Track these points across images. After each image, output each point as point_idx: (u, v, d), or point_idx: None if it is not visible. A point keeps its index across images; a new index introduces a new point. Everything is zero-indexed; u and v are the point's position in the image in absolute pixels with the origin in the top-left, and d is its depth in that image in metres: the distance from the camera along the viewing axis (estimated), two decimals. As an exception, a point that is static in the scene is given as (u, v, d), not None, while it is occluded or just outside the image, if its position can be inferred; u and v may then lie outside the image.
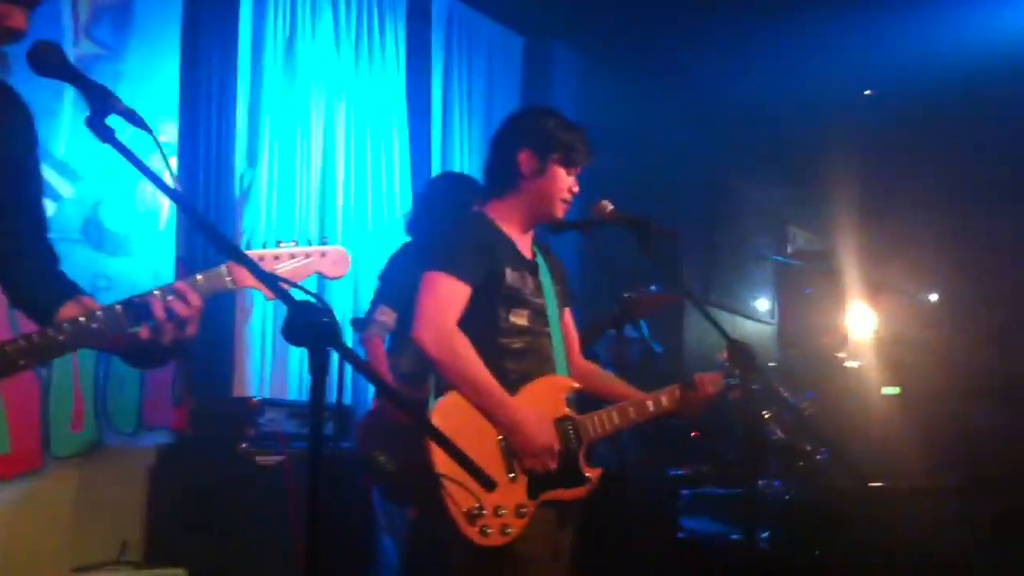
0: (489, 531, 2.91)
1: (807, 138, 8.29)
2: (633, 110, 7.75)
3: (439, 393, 3.06)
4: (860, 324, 7.42)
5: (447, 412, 2.97)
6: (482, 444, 2.94)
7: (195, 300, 2.13)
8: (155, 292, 2.12)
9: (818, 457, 5.40)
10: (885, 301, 7.56)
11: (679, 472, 5.81)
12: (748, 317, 9.86)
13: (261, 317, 5.29)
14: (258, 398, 4.77)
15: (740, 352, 3.37)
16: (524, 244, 3.31)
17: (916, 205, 8.90)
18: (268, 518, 4.38)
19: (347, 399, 5.44)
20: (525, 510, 2.98)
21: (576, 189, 3.30)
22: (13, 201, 2.22)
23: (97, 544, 4.47)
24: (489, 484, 2.73)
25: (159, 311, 2.10)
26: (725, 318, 8.97)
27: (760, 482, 5.36)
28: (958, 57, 7.30)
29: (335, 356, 1.82)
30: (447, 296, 3.07)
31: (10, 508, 4.29)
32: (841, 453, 4.95)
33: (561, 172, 3.25)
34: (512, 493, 2.96)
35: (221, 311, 5.07)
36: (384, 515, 5.05)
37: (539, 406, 3.09)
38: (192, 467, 4.65)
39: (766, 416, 5.47)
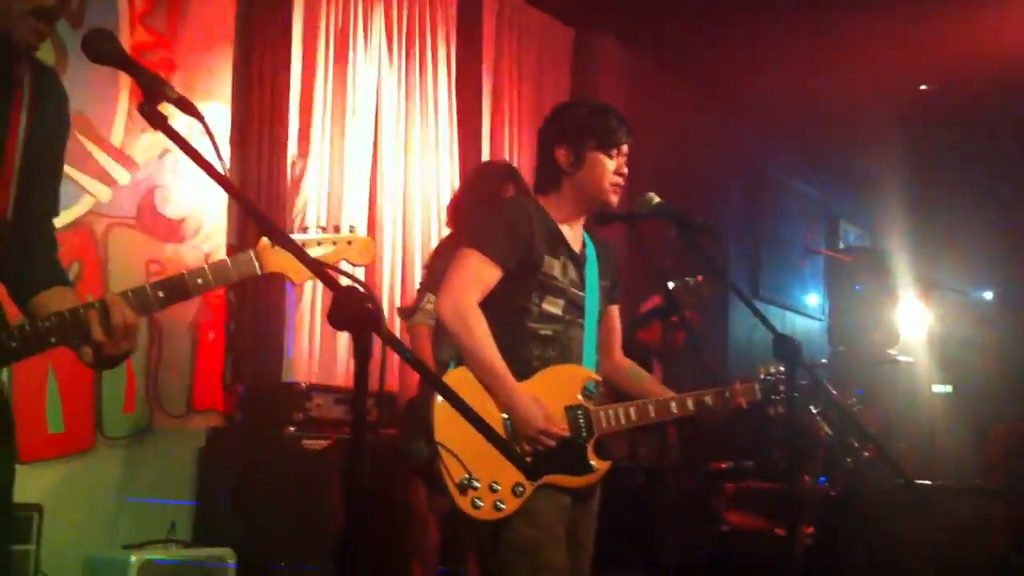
0: (481, 504, 2.94)
1: (858, 132, 8.22)
2: (681, 104, 7.74)
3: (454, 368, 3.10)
4: (912, 321, 7.36)
5: (454, 385, 2.99)
6: (487, 419, 2.96)
7: (126, 316, 2.13)
8: (95, 303, 2.13)
9: (864, 454, 5.37)
10: (938, 298, 7.49)
11: (723, 466, 5.79)
12: (798, 312, 9.80)
13: (310, 303, 5.35)
14: (306, 383, 4.82)
15: (786, 346, 3.34)
16: (573, 235, 3.32)
17: (969, 202, 8.81)
18: (314, 502, 4.44)
19: (393, 387, 5.49)
20: (522, 490, 3.00)
21: (624, 170, 3.29)
22: (40, 188, 2.26)
23: (146, 523, 4.55)
24: (529, 472, 2.78)
25: (94, 322, 2.10)
26: (774, 314, 8.94)
27: (805, 478, 5.33)
28: (1014, 51, 7.20)
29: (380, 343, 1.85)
30: (472, 272, 3.11)
31: (62, 486, 4.38)
32: (887, 451, 4.92)
33: (600, 158, 3.25)
34: (509, 471, 2.97)
35: (271, 296, 5.13)
36: (428, 499, 5.08)
37: (551, 392, 3.10)
38: (240, 450, 4.73)
39: (813, 412, 5.45)
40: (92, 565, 4.22)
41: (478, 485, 2.94)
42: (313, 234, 2.36)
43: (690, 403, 3.32)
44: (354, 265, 2.39)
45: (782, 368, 3.38)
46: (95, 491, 4.53)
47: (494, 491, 2.97)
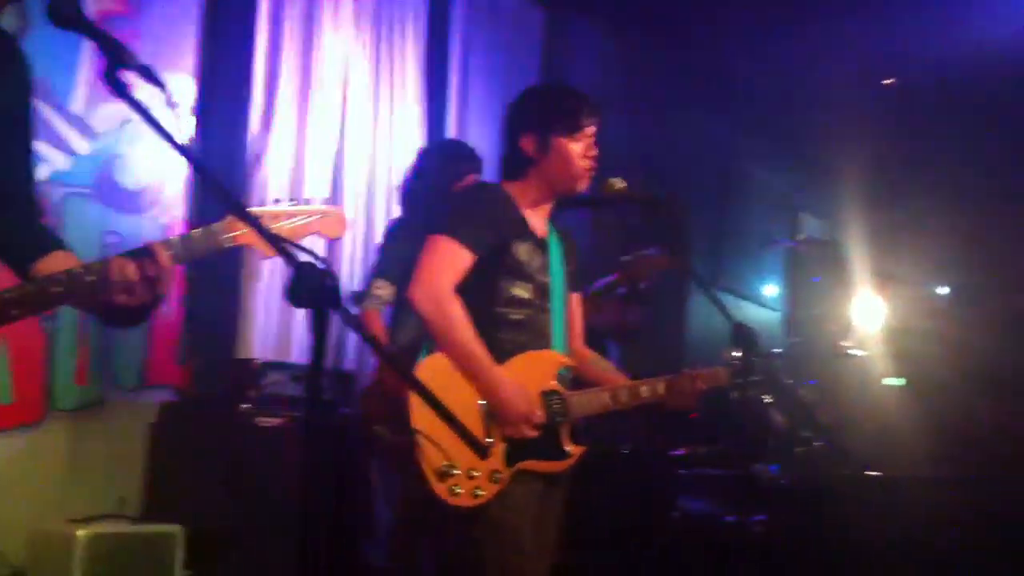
0: (459, 491, 2.94)
1: (820, 125, 8.26)
2: (649, 89, 7.74)
3: (428, 354, 3.09)
4: (867, 314, 7.42)
5: (431, 372, 2.99)
6: (463, 406, 2.96)
7: (165, 260, 2.13)
8: (131, 251, 2.13)
9: (816, 444, 5.42)
10: (893, 291, 7.56)
11: (677, 452, 5.82)
12: (755, 302, 9.86)
13: (268, 278, 5.30)
14: (261, 360, 4.79)
15: (743, 335, 3.37)
16: (537, 221, 3.32)
17: (927, 196, 8.88)
18: (267, 480, 4.41)
19: (350, 366, 5.47)
20: (499, 476, 3.00)
21: (593, 152, 3.28)
22: (7, 152, 2.23)
23: (95, 497, 4.51)
24: (482, 451, 2.77)
25: (117, 273, 2.10)
26: (732, 303, 8.97)
27: (757, 466, 5.38)
28: (974, 47, 7.25)
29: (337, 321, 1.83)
30: (446, 259, 3.09)
31: (10, 458, 4.33)
32: (839, 441, 4.97)
33: (566, 143, 3.24)
34: (489, 458, 2.97)
35: (227, 270, 5.09)
36: (383, 486, 5.08)
37: (526, 377, 3.10)
38: (193, 426, 4.69)
39: (766, 401, 5.49)
40: (38, 539, 4.16)
41: (457, 472, 2.94)
42: (284, 206, 2.33)
43: (661, 387, 3.34)
44: (326, 238, 2.36)
45: (742, 352, 3.42)
46: (44, 464, 4.48)
47: (472, 478, 2.96)
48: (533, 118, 3.28)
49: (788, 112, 8.55)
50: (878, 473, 5.24)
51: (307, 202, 2.37)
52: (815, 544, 4.99)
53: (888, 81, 8.19)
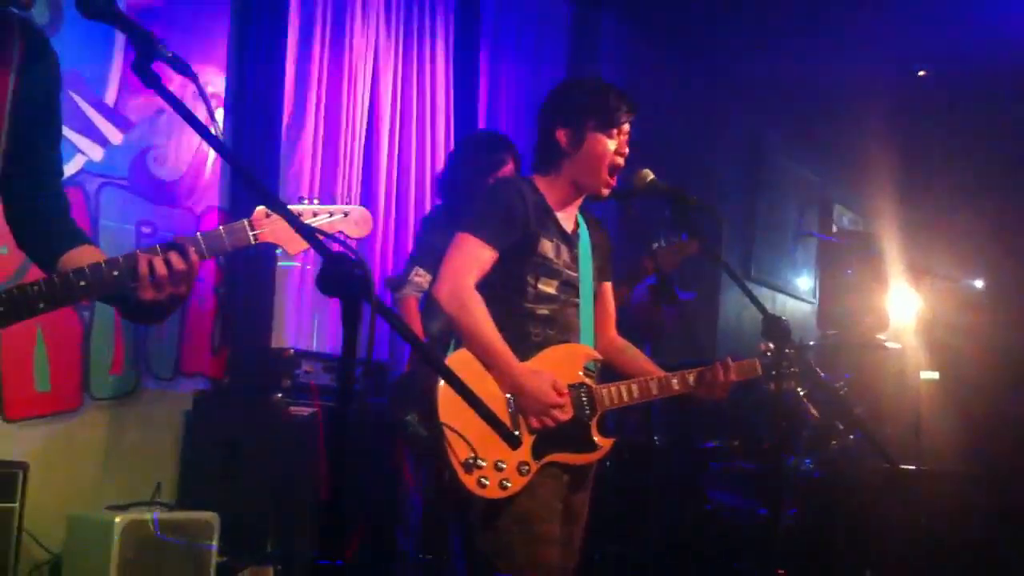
0: (487, 483, 2.94)
1: (853, 117, 8.21)
2: (679, 83, 7.72)
3: (454, 350, 3.10)
4: (902, 307, 7.37)
5: (456, 368, 2.99)
6: (490, 401, 2.96)
7: (193, 257, 2.15)
8: (157, 247, 2.15)
9: (850, 437, 5.39)
10: (929, 285, 7.51)
11: (709, 444, 5.81)
12: (789, 295, 9.81)
13: (301, 269, 5.34)
14: (294, 349, 4.82)
15: (775, 327, 3.35)
16: (566, 216, 3.30)
17: (962, 189, 8.80)
18: (299, 469, 4.45)
19: (383, 356, 5.49)
20: (527, 468, 3.01)
21: (625, 151, 3.26)
22: (28, 143, 2.25)
23: (131, 484, 4.55)
24: (514, 441, 2.77)
25: (143, 269, 2.12)
26: (765, 295, 8.95)
27: (790, 459, 5.35)
28: (1009, 38, 7.18)
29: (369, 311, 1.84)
30: (468, 256, 3.10)
31: (47, 445, 4.38)
32: (873, 434, 4.94)
33: (601, 138, 3.21)
34: (516, 450, 2.98)
35: (262, 262, 5.12)
36: (415, 475, 5.10)
37: (554, 370, 3.10)
38: (226, 415, 4.73)
39: (800, 394, 5.46)
40: (76, 525, 4.21)
41: (483, 464, 2.95)
42: (309, 204, 2.35)
43: (691, 379, 3.33)
44: (351, 238, 2.38)
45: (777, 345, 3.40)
46: (81, 451, 4.53)
47: (500, 469, 2.97)
48: (569, 111, 3.25)
49: (820, 104, 8.50)
50: (912, 467, 5.21)
51: (332, 201, 2.39)
52: (847, 537, 4.97)
53: (922, 72, 8.12)
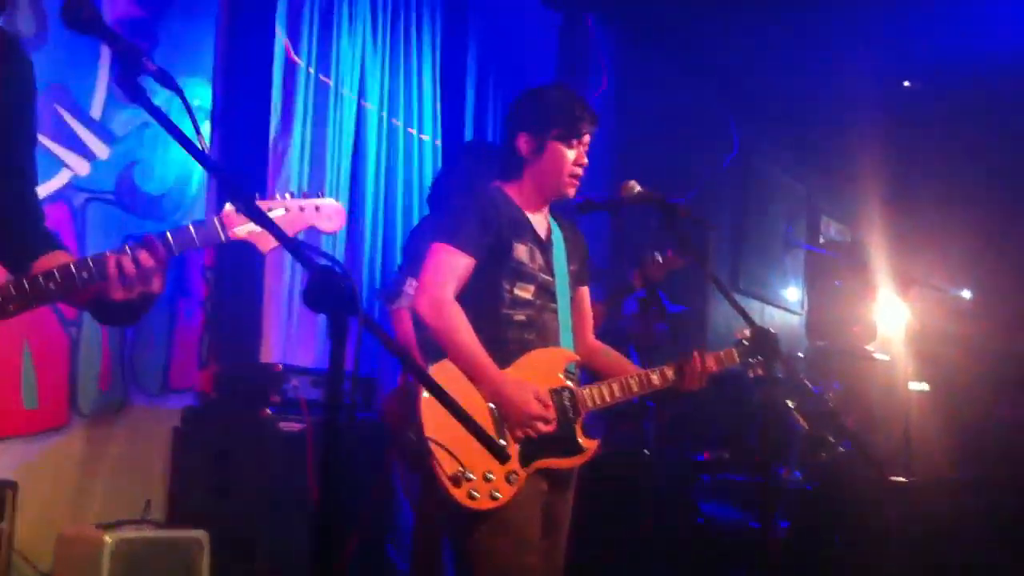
0: (477, 495, 2.95)
1: (840, 128, 8.23)
2: (666, 92, 7.72)
3: (435, 362, 3.10)
4: (891, 317, 7.38)
5: (439, 378, 2.99)
6: (473, 412, 2.96)
7: (160, 252, 2.14)
8: (125, 246, 2.14)
9: (840, 448, 5.39)
10: (916, 295, 7.52)
11: (700, 457, 5.80)
12: (777, 306, 9.81)
13: (289, 283, 5.32)
14: (283, 364, 4.80)
15: (763, 339, 3.36)
16: (539, 220, 3.33)
17: (950, 199, 8.83)
18: (289, 484, 4.43)
19: (370, 371, 5.47)
20: (515, 477, 3.01)
21: (584, 161, 3.29)
22: (6, 152, 2.24)
23: (121, 502, 4.52)
24: (503, 456, 2.77)
25: (112, 269, 2.11)
26: (753, 306, 8.95)
27: (780, 471, 5.35)
28: (997, 49, 7.21)
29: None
30: (445, 266, 3.12)
31: (36, 463, 4.34)
32: (863, 445, 4.94)
33: (561, 148, 3.25)
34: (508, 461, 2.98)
35: (249, 275, 5.10)
36: (404, 487, 5.08)
37: (534, 375, 3.11)
38: (216, 430, 4.70)
39: (789, 405, 5.46)
40: (66, 543, 4.18)
41: (472, 476, 2.95)
42: (279, 199, 2.31)
43: (670, 373, 3.33)
44: (323, 232, 2.35)
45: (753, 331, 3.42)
46: (69, 468, 4.49)
47: (488, 480, 2.97)
48: (532, 119, 3.29)
49: (807, 115, 8.52)
50: (902, 477, 5.21)
51: (303, 195, 2.35)
52: (839, 549, 4.96)
53: (907, 83, 8.15)
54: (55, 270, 2.10)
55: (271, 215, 2.23)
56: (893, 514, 4.95)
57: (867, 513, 4.97)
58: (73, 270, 2.10)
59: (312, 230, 2.34)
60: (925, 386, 6.60)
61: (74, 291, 2.12)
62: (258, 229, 2.18)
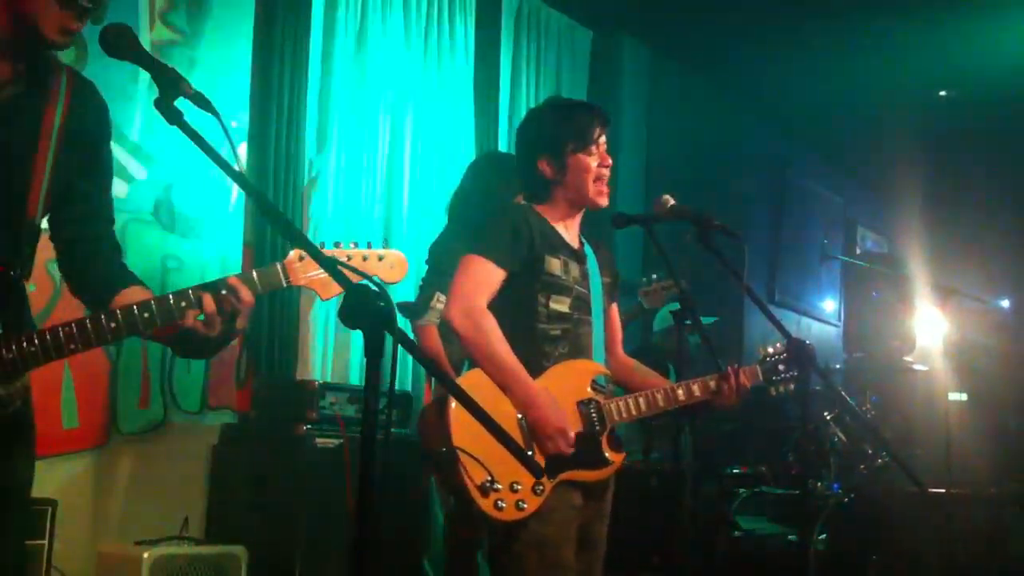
0: (503, 505, 2.95)
1: (876, 139, 8.19)
2: (700, 107, 7.72)
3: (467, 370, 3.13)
4: (929, 329, 7.32)
5: (469, 387, 3.00)
6: (501, 421, 2.96)
7: (247, 296, 2.17)
8: (209, 285, 2.17)
9: (879, 461, 5.35)
10: (954, 306, 7.46)
11: (737, 471, 5.77)
12: (814, 318, 9.77)
13: (325, 302, 5.34)
14: (319, 382, 4.83)
15: (799, 351, 3.34)
16: (571, 233, 3.35)
17: (987, 209, 8.76)
18: (327, 501, 4.44)
19: (407, 386, 5.50)
20: (541, 488, 3.01)
21: (608, 162, 3.31)
22: (82, 191, 2.28)
23: (160, 519, 4.56)
24: (538, 471, 2.77)
25: (209, 304, 2.14)
26: (789, 318, 8.91)
27: (819, 484, 5.32)
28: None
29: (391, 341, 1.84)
30: (478, 277, 3.14)
31: (77, 481, 4.40)
32: (902, 458, 4.90)
33: (582, 159, 3.27)
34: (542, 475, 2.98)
35: (286, 294, 5.13)
36: (442, 501, 5.09)
37: (562, 388, 3.12)
38: (254, 448, 4.74)
39: (827, 418, 5.43)
40: (105, 560, 4.22)
41: (499, 486, 2.96)
42: (343, 248, 2.36)
43: (696, 388, 3.32)
44: (385, 282, 2.39)
45: (779, 346, 3.40)
46: (109, 486, 4.55)
47: (515, 491, 2.98)
48: (547, 139, 3.31)
49: (843, 126, 8.48)
50: (942, 490, 5.15)
51: (368, 245, 2.40)
52: (879, 562, 4.92)
53: (943, 93, 8.10)
54: (152, 301, 2.13)
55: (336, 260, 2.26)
56: (933, 526, 4.90)
57: (907, 526, 4.93)
58: (172, 302, 2.13)
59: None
60: (964, 397, 6.54)
61: (156, 328, 2.15)
62: (320, 276, 2.21)
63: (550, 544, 3.02)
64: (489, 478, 2.94)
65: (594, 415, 3.16)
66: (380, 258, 2.38)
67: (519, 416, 3.04)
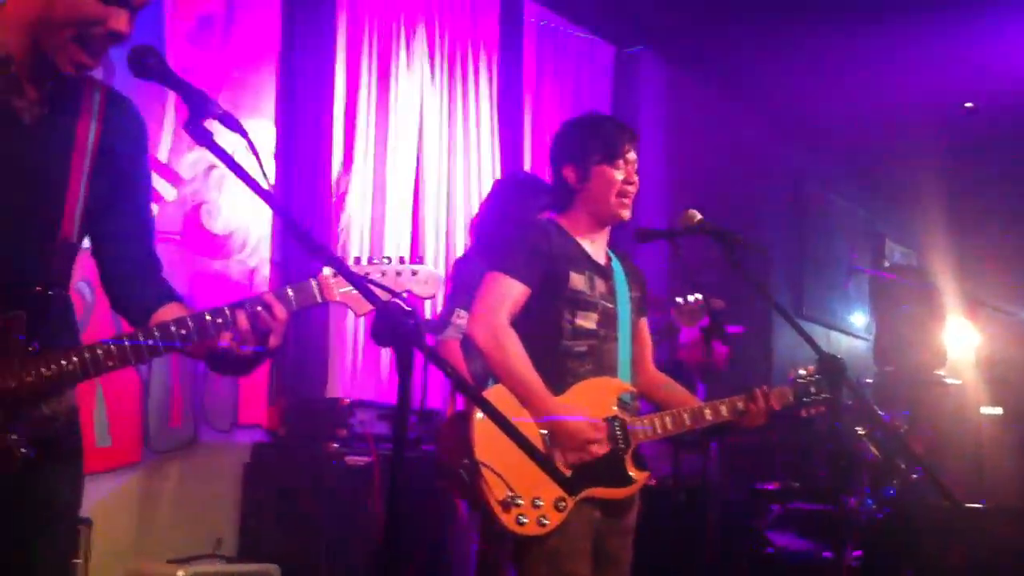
0: (525, 520, 2.96)
1: (902, 151, 8.15)
2: (723, 121, 7.71)
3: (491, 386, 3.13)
4: (960, 342, 7.27)
5: (494, 403, 3.00)
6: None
7: (281, 313, 2.18)
8: (244, 302, 2.18)
9: (912, 476, 5.31)
10: (985, 318, 7.41)
11: (768, 486, 5.74)
12: (842, 331, 9.71)
13: (355, 319, 5.36)
14: (349, 399, 4.84)
15: (830, 366, 3.32)
16: (596, 249, 3.36)
17: (1016, 220, 8.69)
18: (358, 518, 4.45)
19: (434, 403, 5.50)
20: (564, 504, 3.02)
21: (633, 179, 3.33)
22: (121, 207, 2.29)
23: (192, 537, 4.58)
24: (566, 483, 2.77)
25: (243, 322, 2.15)
26: (818, 332, 8.86)
27: (851, 500, 5.28)
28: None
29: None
30: (499, 293, 3.16)
31: (109, 500, 4.42)
32: (935, 472, 4.86)
33: (607, 170, 3.29)
34: (551, 486, 2.97)
35: (316, 312, 5.15)
36: (468, 517, 5.08)
37: (587, 404, 3.12)
38: (284, 465, 4.75)
39: (859, 433, 5.40)
40: (137, 579, 4.25)
41: (521, 502, 2.97)
42: (377, 263, 2.37)
43: (724, 409, 3.31)
44: (419, 297, 2.39)
45: (812, 368, 3.38)
46: (142, 505, 4.57)
47: (537, 507, 2.98)
48: (573, 149, 3.35)
49: (868, 139, 8.45)
50: (976, 505, 5.11)
51: (401, 261, 2.41)
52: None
53: (969, 105, 8.06)
54: (188, 318, 2.15)
55: (368, 278, 2.27)
56: (966, 541, 4.86)
57: (940, 541, 4.89)
58: (208, 319, 2.14)
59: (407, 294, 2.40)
60: (998, 410, 6.49)
61: (205, 340, 2.16)
62: (354, 291, 2.22)
63: (562, 556, 3.02)
64: (511, 493, 2.95)
65: (618, 432, 3.16)
66: (414, 272, 2.39)
67: (543, 432, 3.04)
